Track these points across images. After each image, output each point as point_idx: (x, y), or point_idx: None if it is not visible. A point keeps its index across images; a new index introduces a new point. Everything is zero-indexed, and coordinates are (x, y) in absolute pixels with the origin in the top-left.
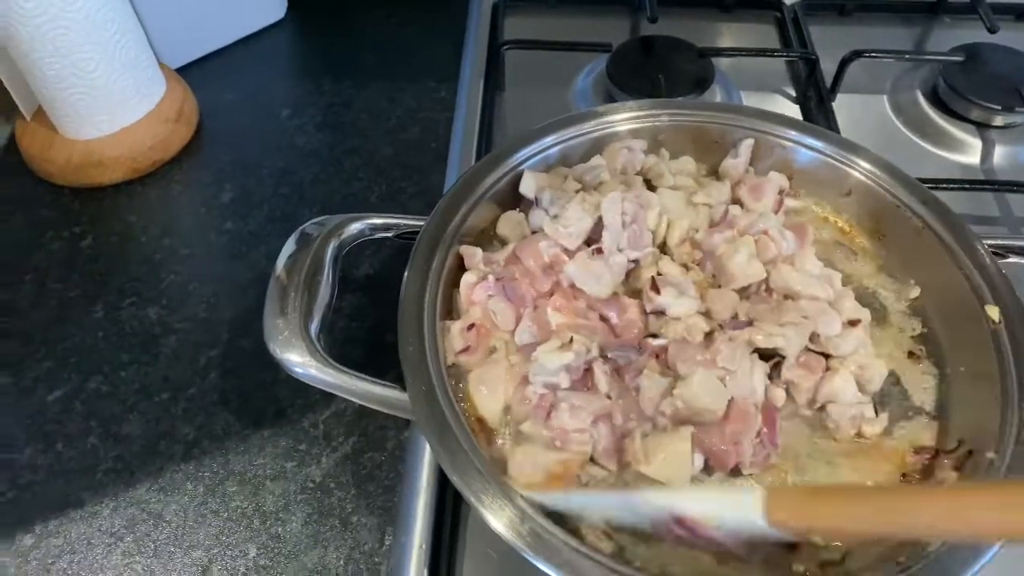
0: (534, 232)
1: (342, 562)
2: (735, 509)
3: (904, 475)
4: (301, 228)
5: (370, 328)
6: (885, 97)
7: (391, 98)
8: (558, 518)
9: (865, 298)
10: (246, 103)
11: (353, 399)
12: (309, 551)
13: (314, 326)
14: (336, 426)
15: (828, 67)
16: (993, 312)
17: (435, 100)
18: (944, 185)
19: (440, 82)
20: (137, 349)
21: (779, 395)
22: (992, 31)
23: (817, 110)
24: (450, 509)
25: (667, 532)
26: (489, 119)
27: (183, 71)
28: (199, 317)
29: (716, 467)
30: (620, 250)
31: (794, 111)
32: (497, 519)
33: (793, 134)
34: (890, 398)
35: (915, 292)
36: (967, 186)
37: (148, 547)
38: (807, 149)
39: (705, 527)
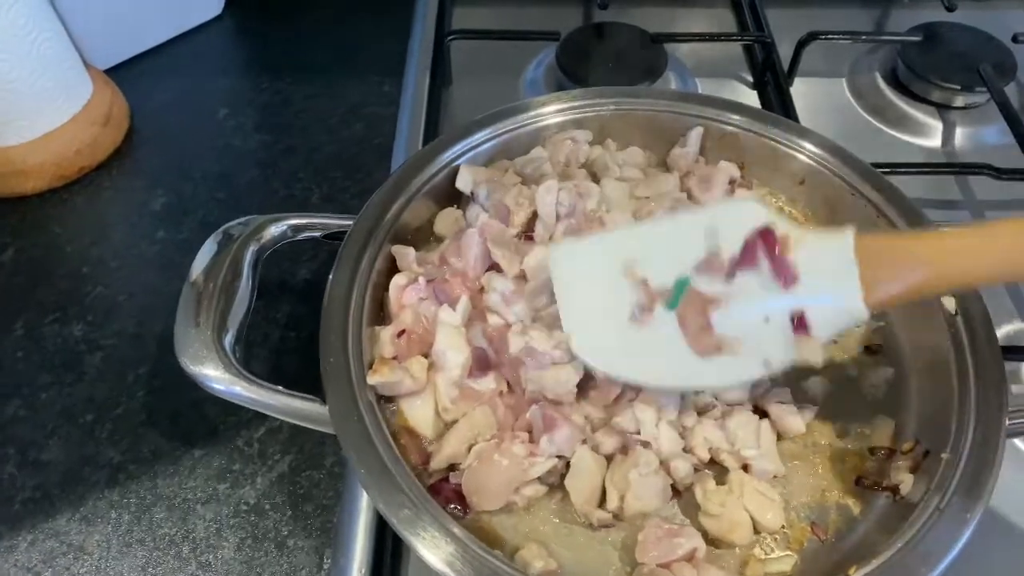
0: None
1: None
2: (829, 241)
3: (859, 478)
4: (222, 228)
5: (307, 338)
6: (844, 80)
7: (333, 94)
8: (494, 540)
9: None
10: (180, 104)
11: (271, 413)
12: None
13: (229, 337)
14: (271, 444)
15: (786, 52)
16: (949, 303)
17: (380, 95)
18: (903, 169)
19: (385, 76)
20: (60, 369)
21: None
22: (950, 9)
23: (775, 96)
24: (392, 529)
25: (751, 256)
26: (436, 114)
27: (113, 72)
28: (127, 332)
29: None
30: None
31: (751, 97)
32: (425, 546)
33: (737, 119)
34: (845, 396)
35: None
36: (927, 170)
37: None
38: (756, 135)
39: (792, 249)
